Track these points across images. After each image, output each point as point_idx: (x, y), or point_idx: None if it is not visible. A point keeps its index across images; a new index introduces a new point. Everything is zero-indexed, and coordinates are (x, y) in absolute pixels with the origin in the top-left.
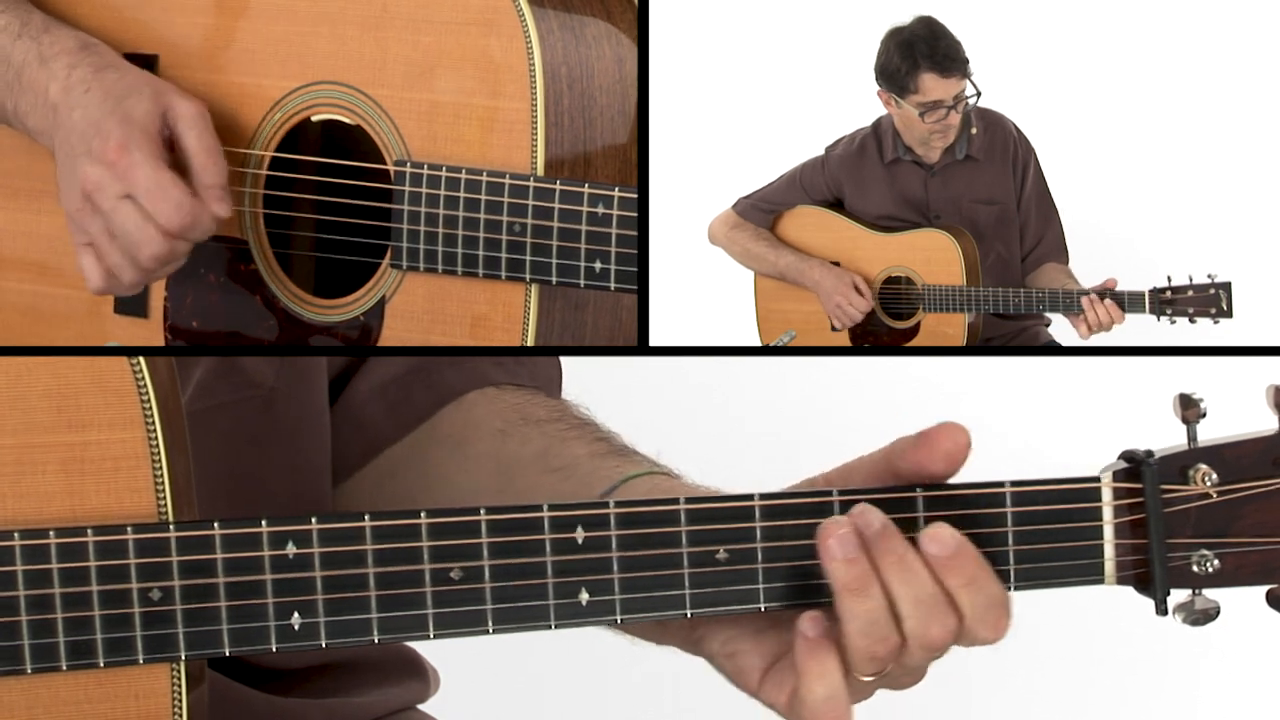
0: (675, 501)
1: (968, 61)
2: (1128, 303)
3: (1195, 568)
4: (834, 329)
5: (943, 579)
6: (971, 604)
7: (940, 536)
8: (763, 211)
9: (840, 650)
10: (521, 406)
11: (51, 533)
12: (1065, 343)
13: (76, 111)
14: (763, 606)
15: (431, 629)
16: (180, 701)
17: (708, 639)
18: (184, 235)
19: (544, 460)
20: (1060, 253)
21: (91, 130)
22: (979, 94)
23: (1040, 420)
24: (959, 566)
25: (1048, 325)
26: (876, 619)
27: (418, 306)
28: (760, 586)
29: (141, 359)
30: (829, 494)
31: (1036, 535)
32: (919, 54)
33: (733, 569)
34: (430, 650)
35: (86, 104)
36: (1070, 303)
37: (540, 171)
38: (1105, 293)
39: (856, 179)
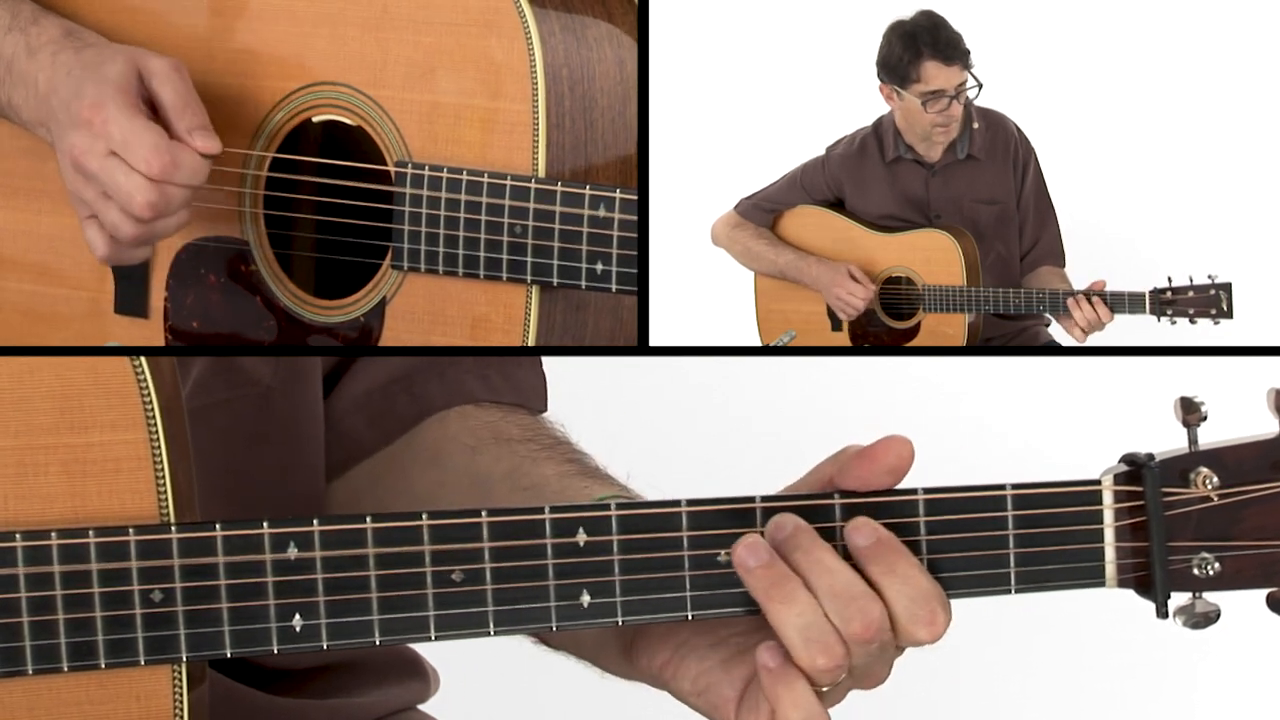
0: (677, 504)
1: (969, 53)
2: (1129, 303)
3: (1196, 571)
4: (835, 328)
5: (865, 569)
6: (898, 595)
7: (861, 528)
8: (764, 211)
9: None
10: (495, 425)
11: (53, 534)
12: (1065, 343)
13: (61, 90)
14: None
15: (433, 631)
16: (181, 702)
17: (678, 679)
18: (168, 178)
19: (513, 479)
20: (1056, 256)
21: (71, 97)
22: (980, 86)
23: (1040, 421)
24: (879, 555)
25: (1048, 325)
26: (809, 624)
27: (418, 307)
28: None
29: (144, 360)
30: (830, 496)
31: (1037, 538)
32: (921, 42)
33: (734, 572)
34: (430, 650)
35: (69, 82)
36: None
37: (541, 173)
38: (1094, 294)
39: (857, 178)
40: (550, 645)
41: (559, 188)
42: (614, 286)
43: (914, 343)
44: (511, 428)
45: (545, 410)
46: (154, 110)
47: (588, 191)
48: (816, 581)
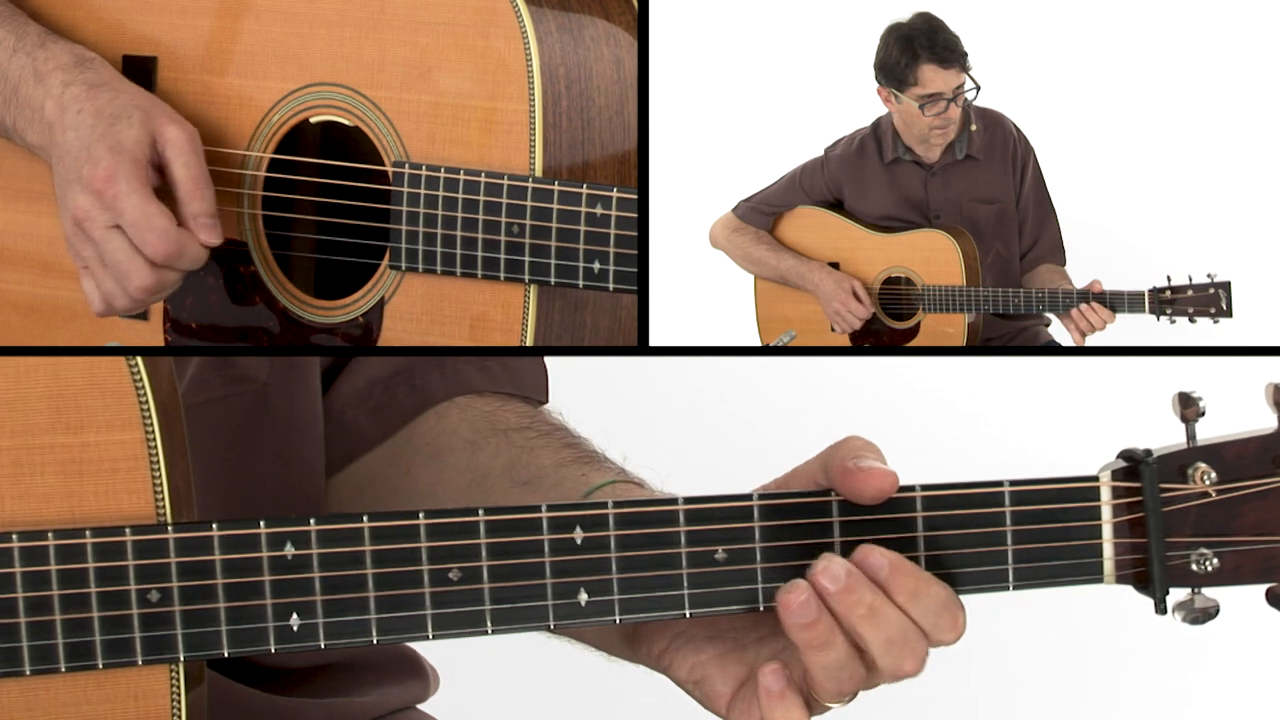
0: (674, 501)
1: (966, 55)
2: (1128, 302)
3: (1194, 566)
4: (835, 328)
5: (891, 595)
6: (923, 614)
7: (871, 562)
8: (763, 214)
9: (804, 694)
10: (493, 415)
11: (50, 534)
12: (1066, 343)
13: (70, 133)
14: (761, 606)
15: (430, 630)
16: (179, 702)
17: (675, 666)
18: (171, 264)
19: (512, 472)
20: (1056, 254)
21: (83, 155)
22: (978, 88)
23: (1040, 420)
24: (899, 584)
25: (1047, 325)
26: (842, 665)
27: (417, 307)
28: (759, 586)
29: (140, 361)
30: (827, 494)
31: (1035, 535)
32: (918, 45)
33: (731, 569)
34: (430, 650)
35: (79, 125)
36: (1069, 303)
37: (539, 172)
38: (1094, 294)
39: (856, 179)
40: (555, 632)
41: (556, 187)
42: (611, 285)
43: (914, 343)
44: (509, 416)
45: (547, 402)
46: (161, 174)
47: (585, 190)
48: (871, 632)
